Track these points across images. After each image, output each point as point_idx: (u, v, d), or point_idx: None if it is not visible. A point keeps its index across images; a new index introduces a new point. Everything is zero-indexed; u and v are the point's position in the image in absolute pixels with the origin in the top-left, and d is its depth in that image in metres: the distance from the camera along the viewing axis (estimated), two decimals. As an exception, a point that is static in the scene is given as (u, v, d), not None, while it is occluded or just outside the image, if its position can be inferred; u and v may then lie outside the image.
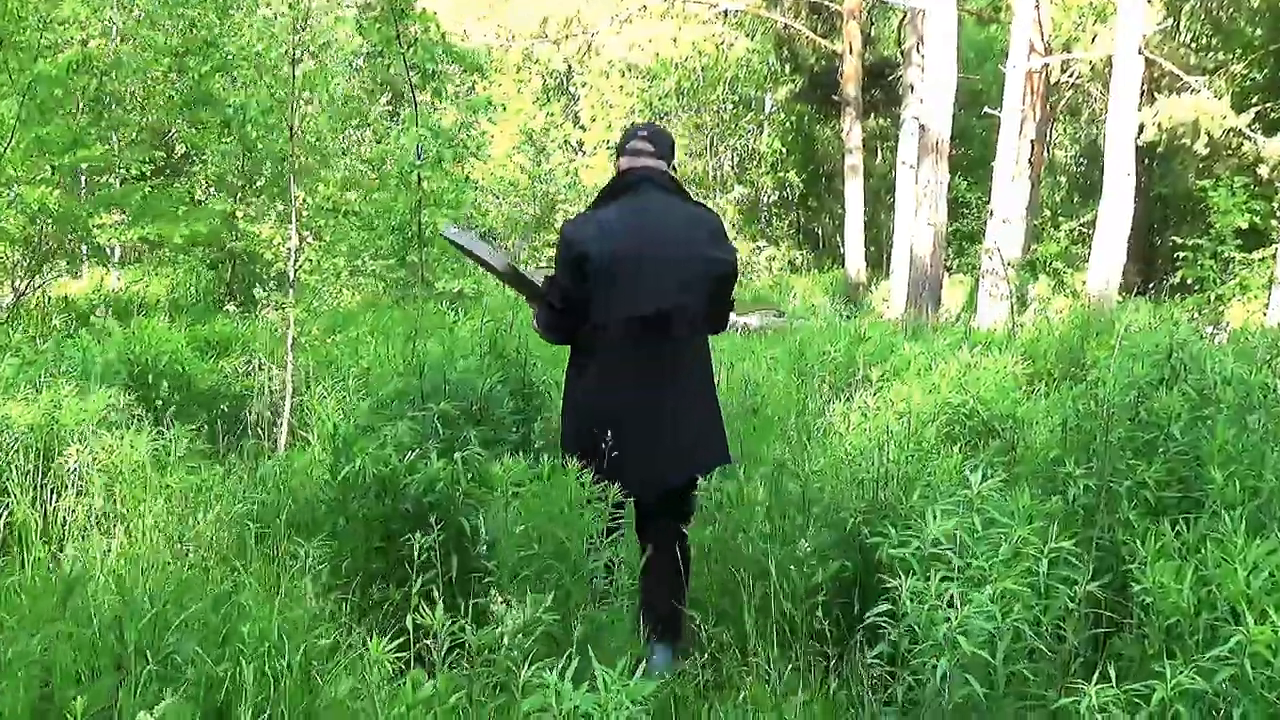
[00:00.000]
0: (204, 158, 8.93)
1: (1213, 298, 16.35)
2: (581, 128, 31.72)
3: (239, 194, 6.27)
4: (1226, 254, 15.72)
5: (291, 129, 5.71)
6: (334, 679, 2.86)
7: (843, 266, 26.23)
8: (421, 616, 2.82)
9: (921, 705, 2.81)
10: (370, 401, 4.82)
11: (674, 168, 3.98)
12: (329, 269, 6.64)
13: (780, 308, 21.22)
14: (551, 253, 4.25)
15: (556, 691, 2.26)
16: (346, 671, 2.94)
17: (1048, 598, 2.85)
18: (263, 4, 5.96)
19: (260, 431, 5.18)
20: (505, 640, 2.68)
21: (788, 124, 30.37)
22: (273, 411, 5.98)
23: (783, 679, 3.14)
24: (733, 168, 29.61)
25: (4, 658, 2.63)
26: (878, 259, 29.08)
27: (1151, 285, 24.66)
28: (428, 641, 2.76)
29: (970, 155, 30.47)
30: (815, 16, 27.57)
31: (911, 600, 2.67)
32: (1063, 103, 24.99)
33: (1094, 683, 2.47)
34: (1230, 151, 20.36)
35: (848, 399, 5.83)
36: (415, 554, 3.23)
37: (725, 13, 25.80)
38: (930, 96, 15.67)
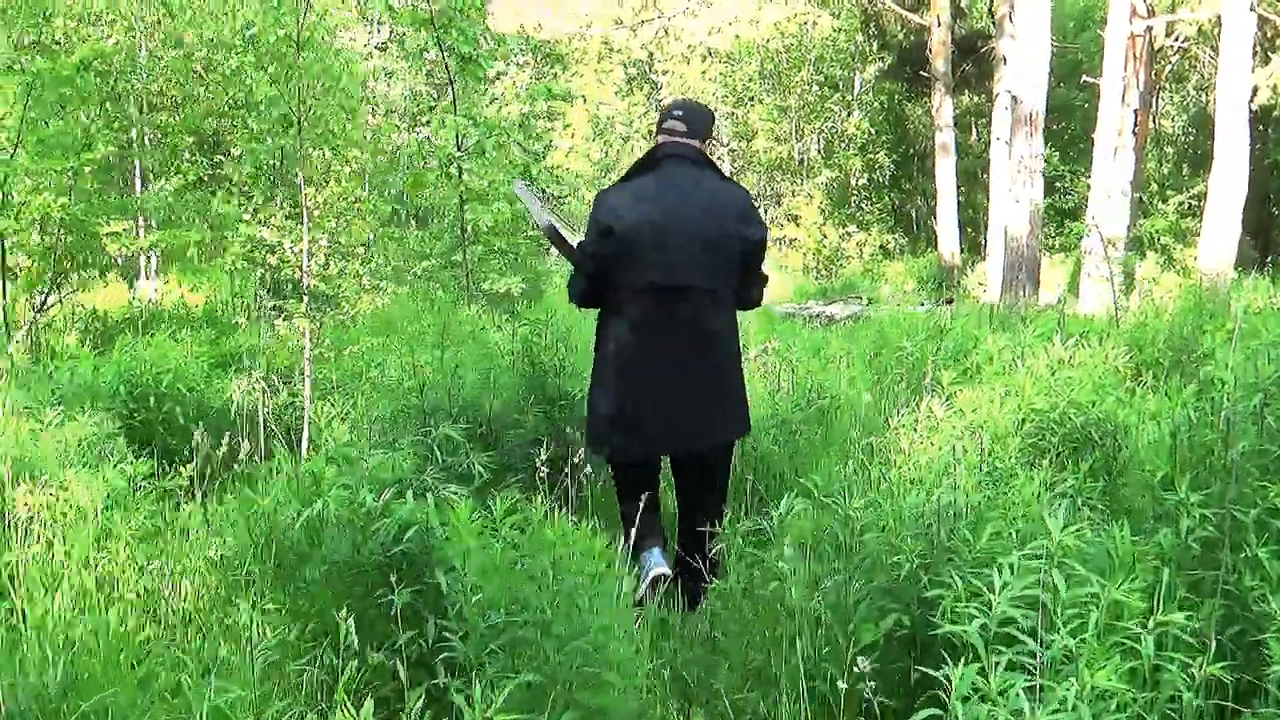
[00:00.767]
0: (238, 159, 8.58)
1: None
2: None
3: (254, 196, 5.81)
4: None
5: (299, 121, 5.22)
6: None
7: (936, 250, 25.21)
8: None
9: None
10: (357, 424, 4.27)
11: (712, 143, 4.21)
12: (349, 273, 6.16)
13: (868, 295, 20.37)
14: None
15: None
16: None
17: (1154, 687, 2.17)
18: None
19: (260, 458, 4.68)
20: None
21: (877, 104, 29.35)
22: (292, 433, 5.51)
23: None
24: (820, 151, 28.68)
25: None
26: (974, 241, 27.95)
27: (1270, 260, 23.23)
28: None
29: (1071, 129, 29.15)
30: (902, -10, 26.53)
31: (966, 701, 2.01)
32: (1168, 69, 23.57)
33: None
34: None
35: (917, 406, 5.15)
36: (393, 612, 2.71)
37: (807, -10, 24.93)
38: (1022, 66, 14.72)
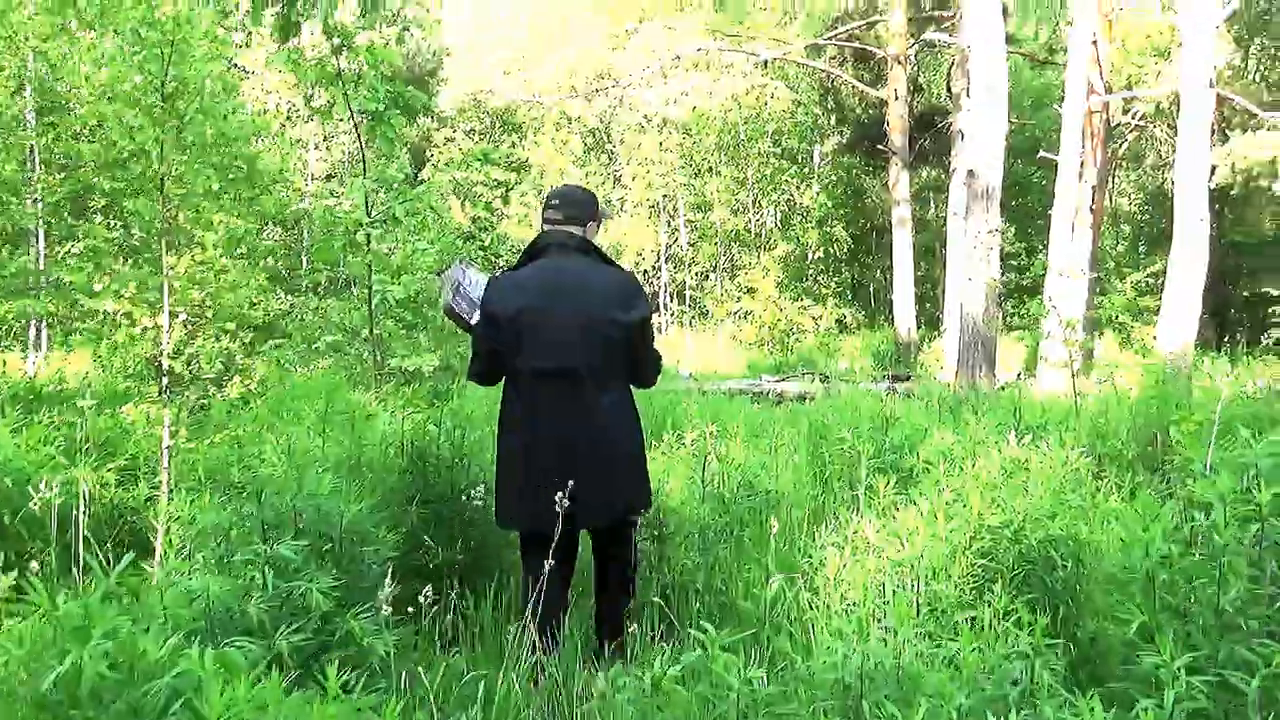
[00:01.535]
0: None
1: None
2: (624, 186, 30.79)
3: (103, 264, 5.13)
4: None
5: (161, 180, 4.59)
6: None
7: (893, 324, 24.83)
8: None
9: None
10: (203, 533, 3.59)
11: (596, 224, 4.35)
12: (210, 352, 5.48)
13: (823, 372, 19.85)
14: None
15: None
16: None
17: None
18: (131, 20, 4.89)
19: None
20: None
21: (835, 177, 29.15)
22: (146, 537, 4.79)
23: None
24: (777, 223, 28.35)
25: None
26: (931, 316, 27.63)
27: (1227, 340, 22.99)
28: None
29: (1028, 205, 29.06)
30: (860, 64, 26.40)
31: None
32: (1124, 147, 23.46)
33: None
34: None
35: (856, 512, 4.53)
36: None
37: (765, 62, 24.70)
38: (979, 139, 14.35)
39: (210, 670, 2.37)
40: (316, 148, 15.42)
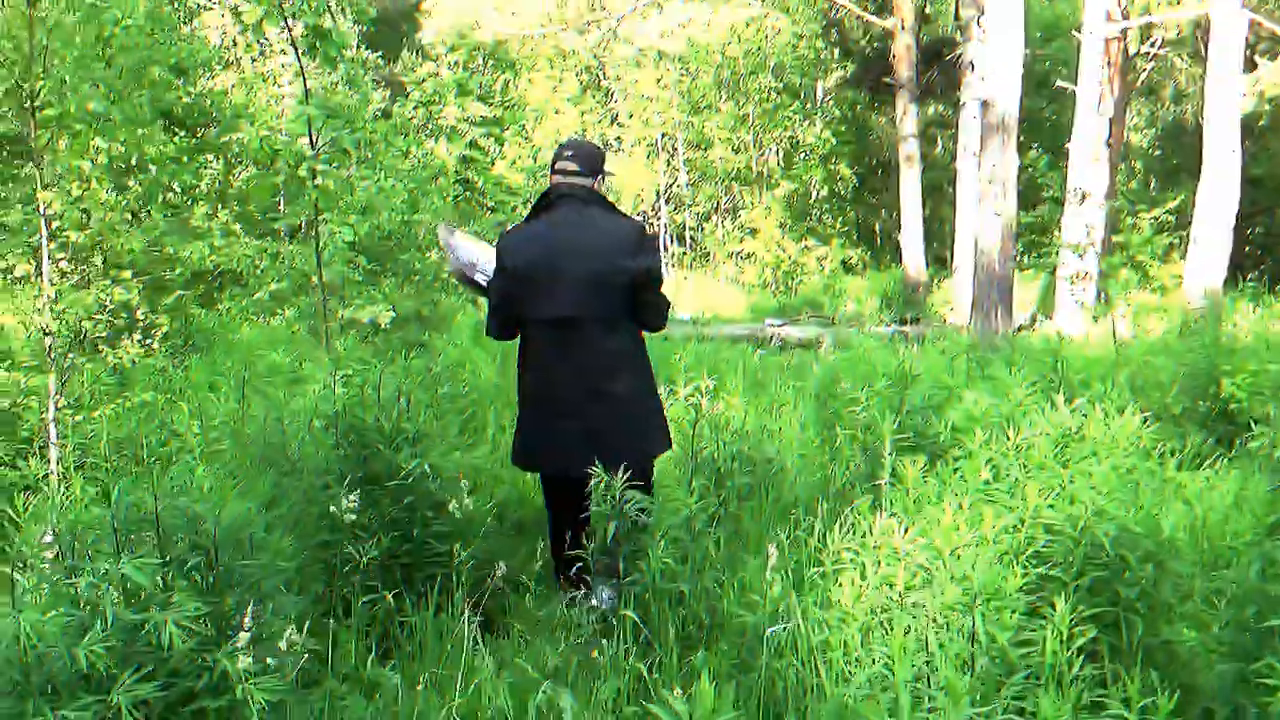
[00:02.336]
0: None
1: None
2: (620, 125, 29.70)
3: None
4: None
5: (31, 97, 3.75)
6: None
7: (901, 265, 23.93)
8: None
9: None
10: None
11: (603, 178, 4.47)
12: (90, 306, 4.67)
13: (827, 314, 19.01)
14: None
15: None
16: None
17: None
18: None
19: None
20: None
21: (839, 113, 28.05)
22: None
23: None
24: (779, 162, 27.32)
25: None
26: (939, 256, 26.69)
27: (1249, 278, 22.04)
28: None
29: (1039, 141, 27.98)
30: (864, -6, 25.27)
31: None
32: (1141, 78, 22.38)
33: None
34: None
35: (875, 493, 3.74)
36: None
37: (765, -8, 23.57)
38: (995, 68, 13.40)
39: None
40: (290, 83, 14.47)
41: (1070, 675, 2.51)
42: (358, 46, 22.08)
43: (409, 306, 7.98)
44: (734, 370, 8.47)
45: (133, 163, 8.24)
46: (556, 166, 4.40)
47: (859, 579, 2.68)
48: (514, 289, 4.31)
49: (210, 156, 11.25)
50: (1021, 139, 22.76)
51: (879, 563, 2.69)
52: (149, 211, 8.86)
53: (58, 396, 3.98)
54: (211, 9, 14.01)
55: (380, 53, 24.73)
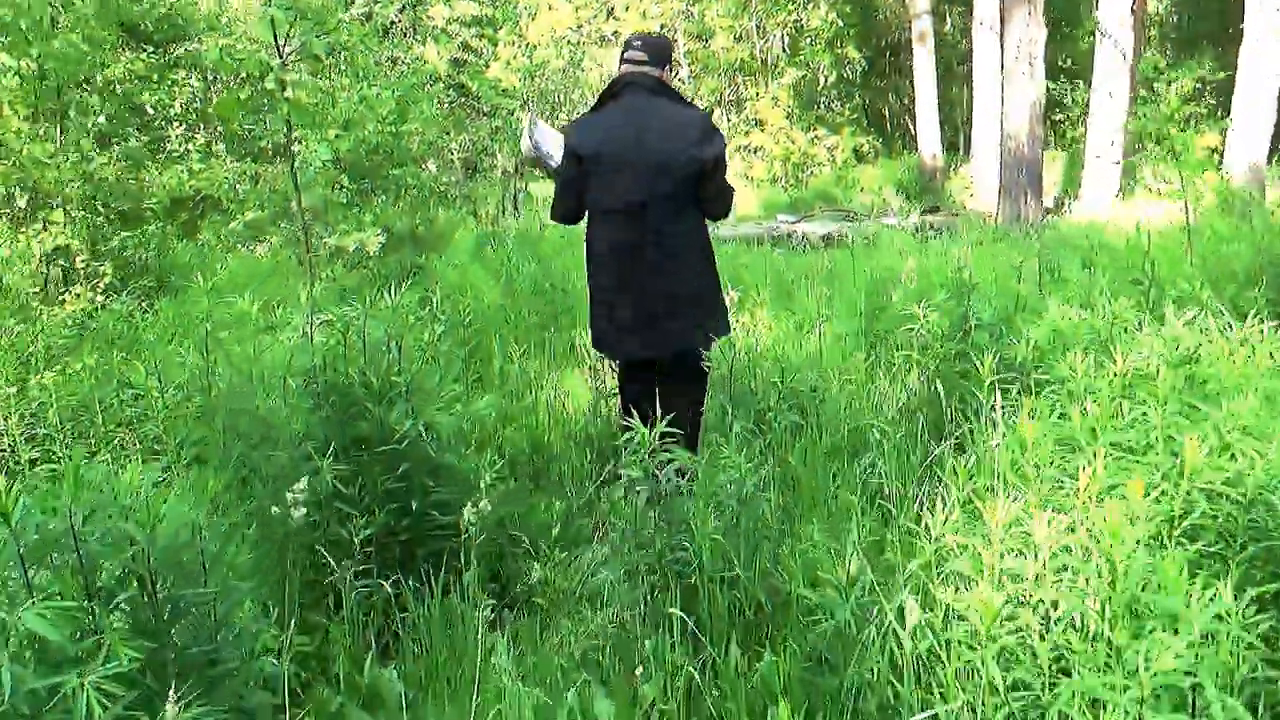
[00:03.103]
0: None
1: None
2: (616, 18, 28.55)
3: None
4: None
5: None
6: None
7: (915, 151, 23.03)
8: None
9: None
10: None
11: (671, 68, 4.57)
12: (24, 253, 4.02)
13: (849, 208, 18.23)
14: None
15: None
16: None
17: None
18: None
19: None
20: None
21: (843, -8, 26.88)
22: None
23: None
24: (784, 49, 26.21)
25: None
26: (953, 140, 25.75)
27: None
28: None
29: (1051, 14, 26.78)
30: None
31: None
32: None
33: None
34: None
35: (958, 447, 3.13)
36: None
37: None
38: (1018, -68, 12.49)
39: None
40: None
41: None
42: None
43: (402, 227, 7.33)
44: (758, 277, 7.82)
45: (93, 82, 7.55)
46: (625, 56, 4.43)
47: (977, 576, 2.07)
48: (580, 175, 4.37)
49: (187, 73, 10.52)
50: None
51: (1001, 554, 2.08)
52: (119, 139, 8.19)
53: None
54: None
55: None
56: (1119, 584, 1.90)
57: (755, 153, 24.32)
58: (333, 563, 3.16)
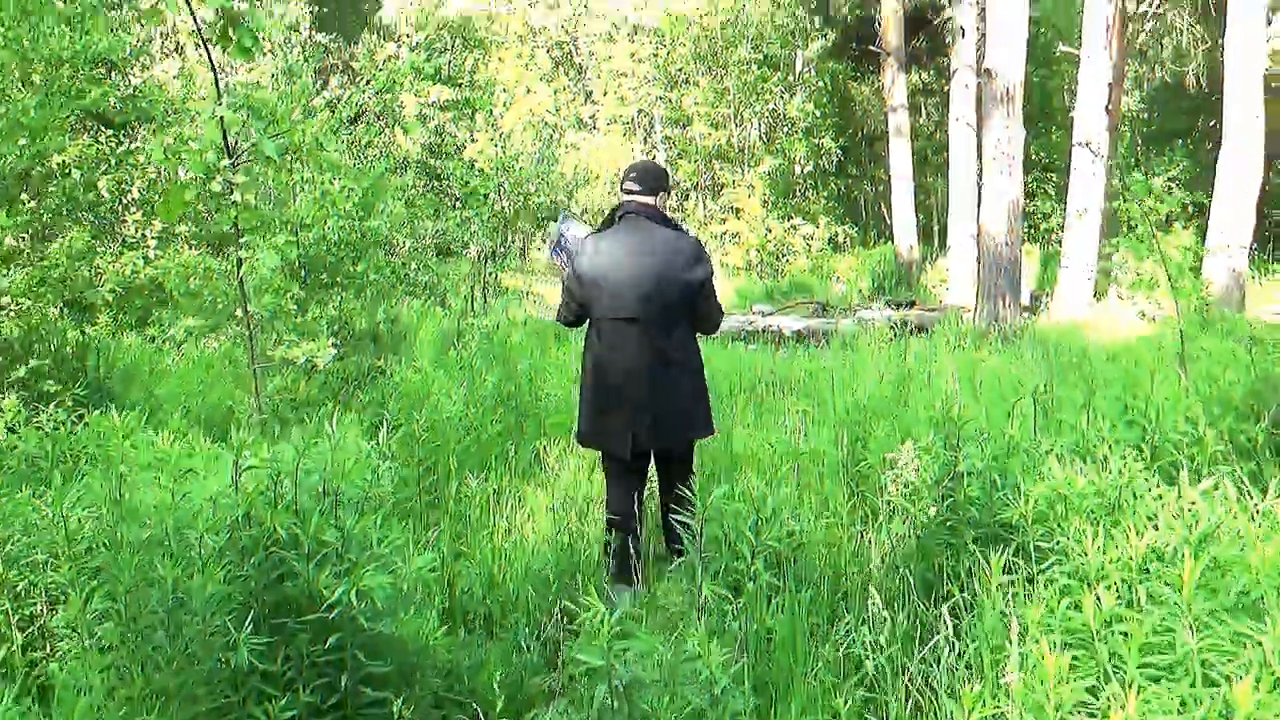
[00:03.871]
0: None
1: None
2: (594, 102, 28.61)
3: None
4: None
5: None
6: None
7: (890, 242, 22.98)
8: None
9: None
10: None
11: (665, 194, 5.04)
12: None
13: (821, 299, 18.04)
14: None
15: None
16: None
17: None
18: None
19: None
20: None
21: (821, 84, 27.02)
22: None
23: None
24: (761, 137, 26.26)
25: None
26: (927, 230, 25.76)
27: (1267, 251, 21.07)
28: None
29: (1026, 108, 26.98)
30: (846, -41, 24.22)
31: None
32: (1140, 39, 21.39)
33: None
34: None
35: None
36: None
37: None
38: (998, 37, 12.45)
39: None
40: (235, 70, 13.31)
41: None
42: (309, 29, 20.85)
43: (363, 326, 6.99)
44: (730, 385, 7.51)
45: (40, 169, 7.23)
46: (623, 187, 4.95)
47: None
48: (584, 290, 4.86)
49: (147, 158, 10.22)
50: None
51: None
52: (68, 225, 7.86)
53: None
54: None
55: (335, 35, 23.50)
56: None
57: (732, 240, 24.22)
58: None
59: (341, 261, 7.49)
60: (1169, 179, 21.83)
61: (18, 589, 3.45)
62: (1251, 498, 3.15)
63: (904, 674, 3.20)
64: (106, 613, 2.97)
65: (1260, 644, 2.12)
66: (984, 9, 19.20)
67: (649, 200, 4.91)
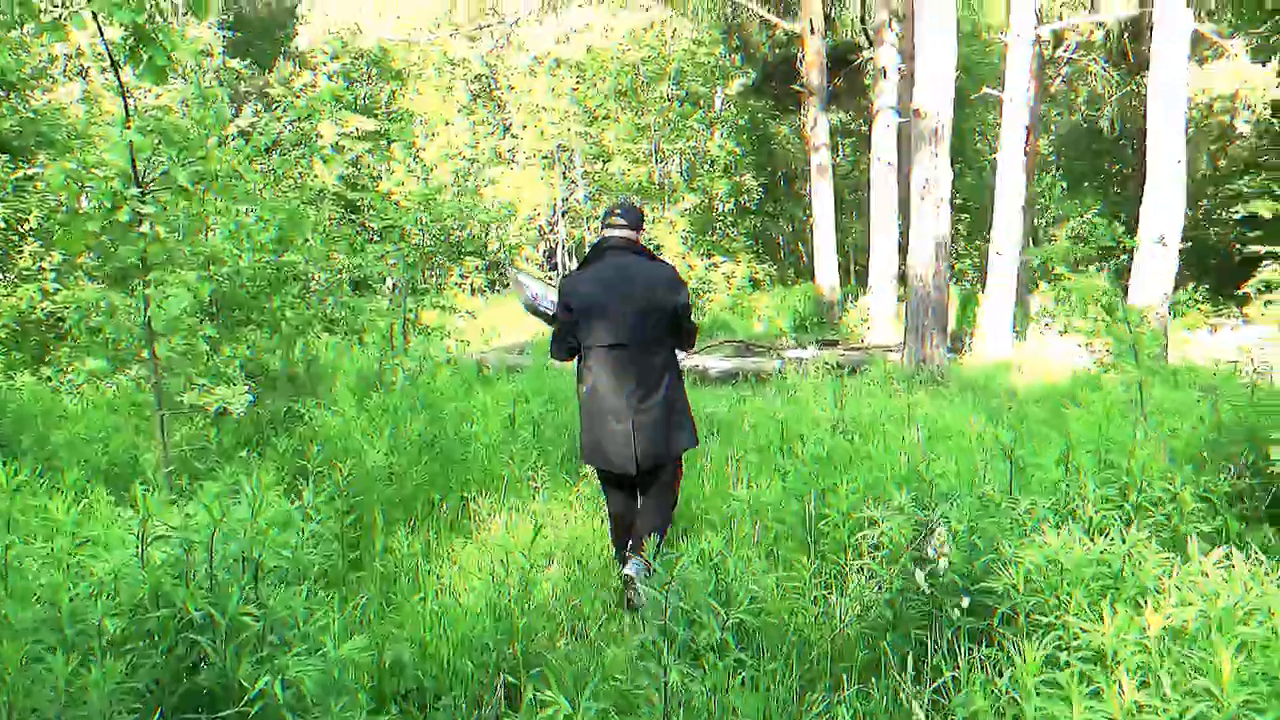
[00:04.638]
0: None
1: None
2: (514, 136, 28.26)
3: None
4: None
5: None
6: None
7: (810, 280, 22.95)
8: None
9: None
10: None
11: (643, 230, 5.46)
12: None
13: (743, 338, 17.86)
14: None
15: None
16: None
17: None
18: None
19: None
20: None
21: (741, 122, 27.05)
22: None
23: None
24: (682, 173, 26.17)
25: None
26: (844, 270, 25.86)
27: (1188, 288, 21.41)
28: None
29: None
30: (767, -1, 24.29)
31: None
32: (1056, 83, 21.75)
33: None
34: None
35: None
36: None
37: (666, -6, 22.30)
38: (926, 74, 12.41)
39: None
40: (145, 94, 12.72)
41: None
42: (223, 55, 20.21)
43: (278, 367, 6.57)
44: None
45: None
46: (609, 222, 5.36)
47: None
48: (573, 319, 5.18)
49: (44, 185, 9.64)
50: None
51: None
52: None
53: None
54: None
55: (249, 61, 22.84)
56: None
57: (652, 276, 23.95)
58: None
59: (257, 298, 7.07)
60: (1082, 220, 22.26)
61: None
62: (1262, 563, 2.94)
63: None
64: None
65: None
66: (903, 50, 19.37)
67: (632, 235, 5.33)
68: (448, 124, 26.37)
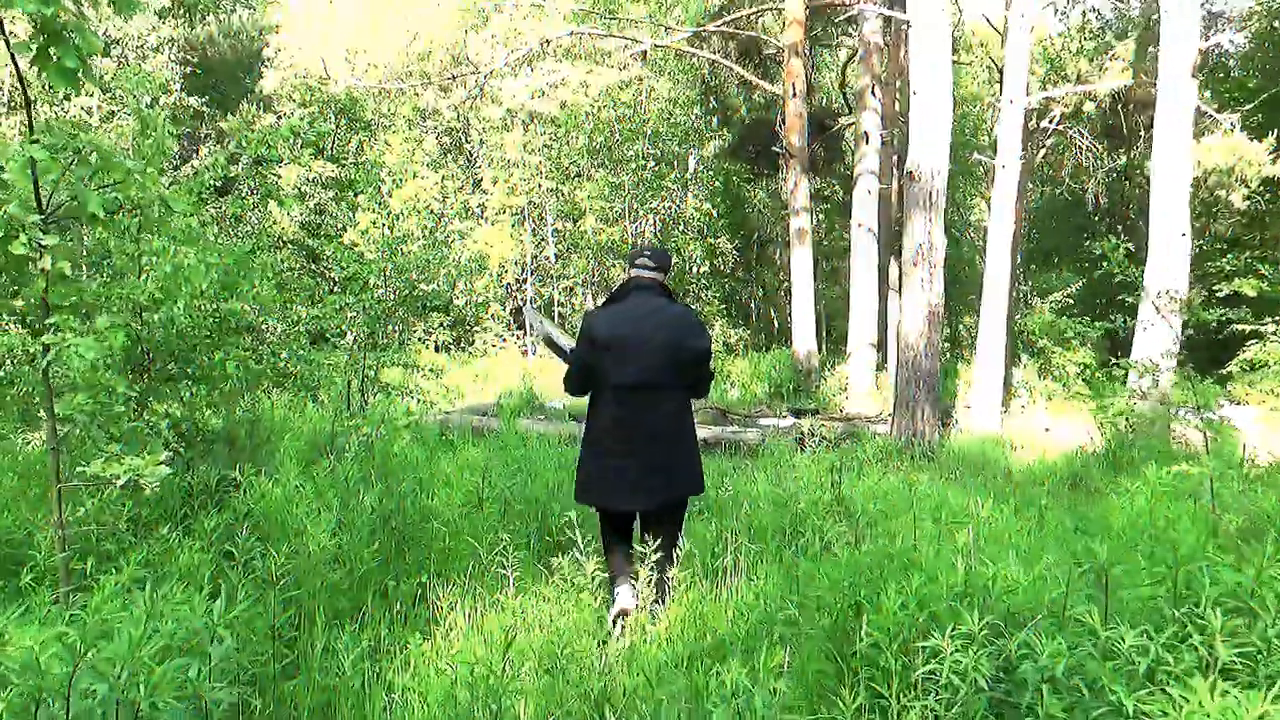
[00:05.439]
0: None
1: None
2: (484, 191, 27.58)
3: None
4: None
5: None
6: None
7: (785, 346, 22.34)
8: None
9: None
10: None
11: (670, 274, 5.66)
12: None
13: (718, 405, 17.13)
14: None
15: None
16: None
17: None
18: None
19: None
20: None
21: (716, 184, 26.55)
22: None
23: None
24: (655, 234, 25.59)
25: None
26: (819, 336, 25.28)
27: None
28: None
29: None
30: (745, 59, 23.90)
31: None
32: (1040, 154, 21.38)
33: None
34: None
35: None
36: None
37: (643, 52, 21.81)
38: (922, 138, 11.85)
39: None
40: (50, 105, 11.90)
41: None
42: (178, 90, 19.40)
43: (217, 428, 5.76)
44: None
45: None
46: (636, 263, 5.33)
47: None
48: (596, 357, 5.15)
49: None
50: (899, 214, 21.54)
51: None
52: None
53: None
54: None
55: (211, 102, 22.02)
56: None
57: (622, 338, 23.28)
58: None
59: (195, 349, 6.27)
60: (1067, 295, 21.81)
61: None
62: None
63: None
64: None
65: None
66: (885, 115, 18.96)
67: (659, 277, 5.34)
68: (416, 176, 25.70)
